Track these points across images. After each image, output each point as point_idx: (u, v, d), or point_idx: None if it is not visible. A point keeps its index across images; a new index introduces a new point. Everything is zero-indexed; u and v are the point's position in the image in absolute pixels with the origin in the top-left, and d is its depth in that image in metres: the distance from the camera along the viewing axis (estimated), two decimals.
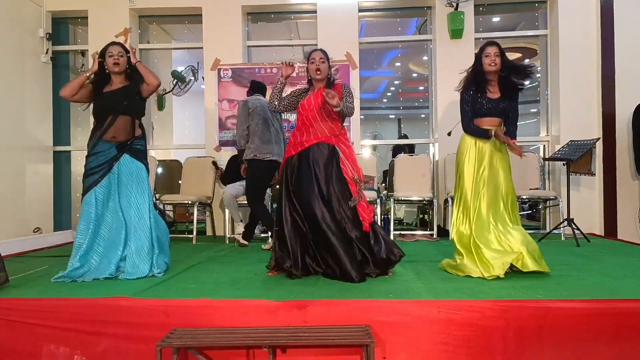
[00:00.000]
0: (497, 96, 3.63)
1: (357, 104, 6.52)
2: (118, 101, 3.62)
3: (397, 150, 8.09)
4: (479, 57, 3.63)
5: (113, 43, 3.73)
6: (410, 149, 8.02)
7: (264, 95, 5.25)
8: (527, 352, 2.53)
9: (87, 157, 3.70)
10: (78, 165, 7.24)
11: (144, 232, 3.62)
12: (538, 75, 7.04)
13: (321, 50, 3.69)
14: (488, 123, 3.64)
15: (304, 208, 3.46)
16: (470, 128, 3.66)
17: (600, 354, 2.54)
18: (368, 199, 5.63)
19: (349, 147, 3.70)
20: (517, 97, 3.71)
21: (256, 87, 5.32)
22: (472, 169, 3.61)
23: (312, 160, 3.52)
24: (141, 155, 3.77)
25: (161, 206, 6.43)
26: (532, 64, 3.69)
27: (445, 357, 2.54)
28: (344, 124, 3.75)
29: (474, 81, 3.64)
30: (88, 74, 3.63)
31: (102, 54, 3.68)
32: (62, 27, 7.12)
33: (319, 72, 3.62)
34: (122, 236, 3.60)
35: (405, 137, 8.43)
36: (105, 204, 3.63)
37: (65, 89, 3.64)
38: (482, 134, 3.61)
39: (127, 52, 3.73)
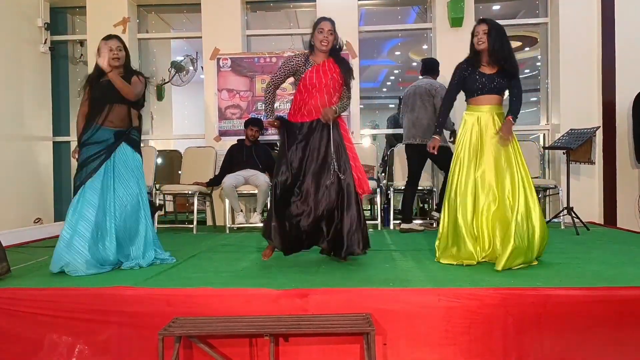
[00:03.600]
0: (493, 71, 3.53)
1: (356, 93, 6.52)
2: (114, 90, 3.57)
3: (391, 141, 7.95)
4: (472, 35, 3.59)
5: (110, 37, 3.69)
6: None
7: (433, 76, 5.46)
8: (527, 340, 2.55)
9: (81, 147, 3.64)
10: None
11: (140, 222, 3.64)
12: (538, 63, 7.02)
13: (330, 20, 3.57)
14: (486, 101, 3.53)
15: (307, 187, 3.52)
16: (442, 109, 3.75)
17: (600, 342, 2.55)
18: None
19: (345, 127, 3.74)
20: (516, 73, 3.59)
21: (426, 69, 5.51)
22: (469, 151, 3.52)
23: (316, 140, 3.55)
24: (137, 146, 3.79)
25: (161, 196, 6.45)
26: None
27: (446, 345, 2.56)
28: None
29: (469, 61, 3.61)
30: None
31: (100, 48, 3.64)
32: (60, 16, 7.09)
33: (325, 44, 3.52)
34: (116, 226, 3.56)
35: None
36: (101, 193, 3.56)
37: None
38: (437, 124, 3.76)
39: (124, 45, 3.71)
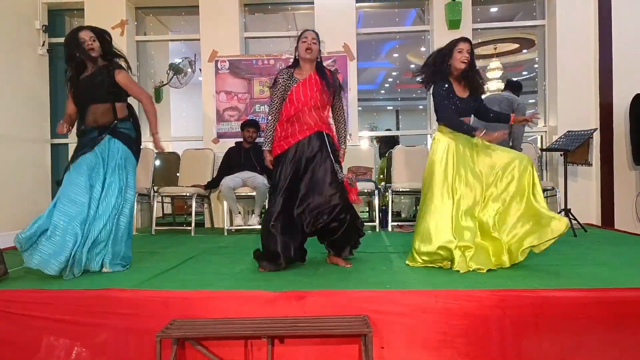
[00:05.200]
0: (466, 95, 3.57)
1: (354, 95, 6.53)
2: (93, 89, 3.52)
3: (387, 143, 7.95)
4: (449, 50, 3.53)
5: (81, 28, 3.59)
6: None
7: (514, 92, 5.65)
8: (524, 341, 2.55)
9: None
10: None
11: (103, 220, 3.44)
12: (536, 65, 7.04)
13: (314, 31, 3.63)
14: None
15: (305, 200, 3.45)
16: (456, 121, 3.48)
17: (597, 343, 2.55)
18: (366, 191, 5.69)
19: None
20: (481, 95, 3.67)
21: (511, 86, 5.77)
22: (448, 172, 3.46)
23: (307, 153, 3.48)
24: (126, 139, 3.64)
25: (159, 198, 6.45)
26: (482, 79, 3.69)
27: (443, 347, 2.56)
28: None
29: (439, 76, 3.55)
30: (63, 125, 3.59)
31: (76, 43, 3.51)
32: (59, 19, 7.08)
33: (309, 51, 3.54)
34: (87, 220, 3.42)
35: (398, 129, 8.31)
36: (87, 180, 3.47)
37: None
38: (467, 130, 3.45)
39: (98, 33, 3.59)
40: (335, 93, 3.64)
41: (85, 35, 3.53)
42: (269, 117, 3.63)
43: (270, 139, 3.61)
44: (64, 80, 3.69)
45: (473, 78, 3.55)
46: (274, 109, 3.61)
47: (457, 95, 3.54)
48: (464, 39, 3.55)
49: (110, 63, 3.64)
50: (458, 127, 3.49)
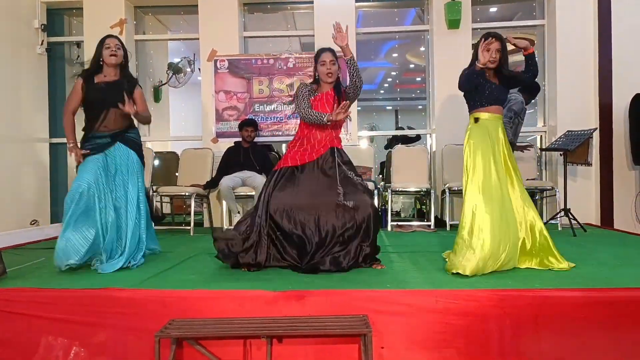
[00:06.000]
0: (498, 82, 3.46)
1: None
2: (111, 94, 3.60)
3: (391, 142, 7.99)
4: (478, 47, 3.39)
5: (110, 36, 3.75)
6: (410, 140, 7.87)
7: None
8: (524, 341, 2.55)
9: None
10: None
11: (130, 224, 3.63)
12: None
13: (330, 50, 3.62)
14: (494, 111, 3.44)
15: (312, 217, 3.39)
16: (467, 75, 3.38)
17: (596, 343, 2.55)
18: None
19: None
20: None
21: None
22: (487, 160, 3.36)
23: (321, 170, 3.52)
24: (135, 146, 3.79)
25: (158, 198, 6.44)
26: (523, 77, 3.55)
27: (443, 346, 2.55)
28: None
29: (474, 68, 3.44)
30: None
31: (101, 47, 3.69)
32: (57, 18, 7.07)
33: (330, 75, 3.57)
34: (108, 225, 3.55)
35: (403, 128, 8.34)
36: (99, 185, 3.57)
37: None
38: (477, 74, 3.33)
39: (123, 46, 3.77)
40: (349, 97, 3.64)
41: (111, 42, 3.69)
42: (307, 111, 3.50)
43: (319, 114, 3.46)
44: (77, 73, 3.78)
45: (505, 75, 3.43)
46: (307, 105, 3.52)
47: (490, 81, 3.42)
48: (492, 36, 3.35)
49: (130, 76, 3.81)
50: (470, 78, 3.38)
